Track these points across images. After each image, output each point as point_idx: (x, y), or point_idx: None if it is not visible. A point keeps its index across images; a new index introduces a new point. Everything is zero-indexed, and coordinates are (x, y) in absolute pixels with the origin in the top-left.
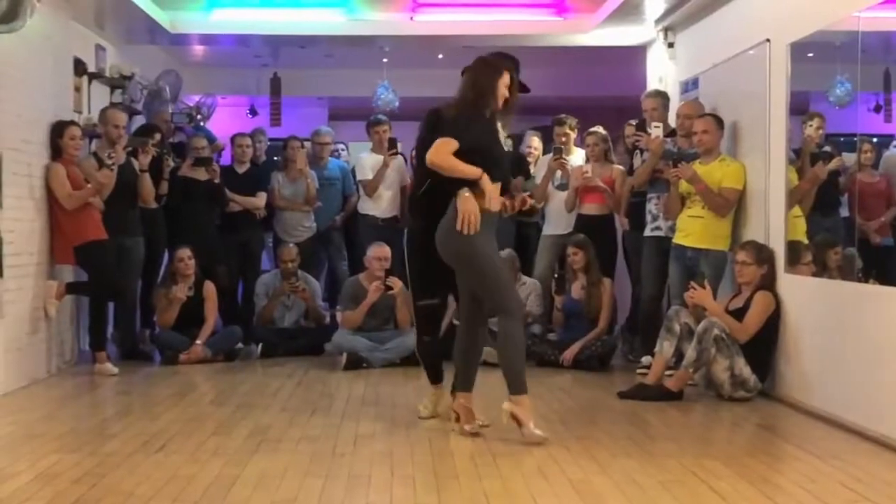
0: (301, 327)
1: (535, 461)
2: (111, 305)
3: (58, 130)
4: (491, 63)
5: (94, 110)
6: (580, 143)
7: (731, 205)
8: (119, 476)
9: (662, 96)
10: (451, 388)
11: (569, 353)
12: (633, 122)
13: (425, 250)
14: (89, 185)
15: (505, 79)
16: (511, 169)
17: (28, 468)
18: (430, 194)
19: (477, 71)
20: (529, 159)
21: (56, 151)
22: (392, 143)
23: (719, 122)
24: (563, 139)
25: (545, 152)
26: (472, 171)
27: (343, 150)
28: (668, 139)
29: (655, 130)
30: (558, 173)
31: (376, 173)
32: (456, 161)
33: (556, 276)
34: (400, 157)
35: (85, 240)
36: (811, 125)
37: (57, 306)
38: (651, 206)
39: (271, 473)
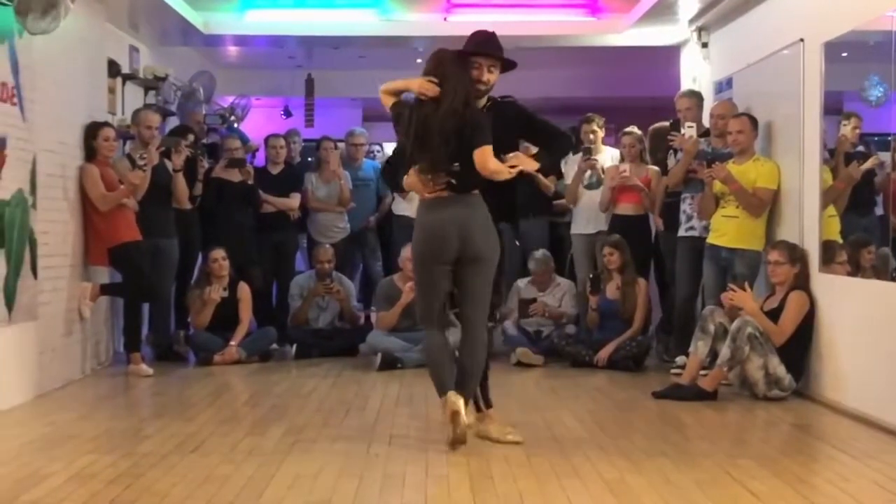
0: (335, 328)
1: (569, 461)
2: (146, 307)
3: (92, 132)
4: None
5: (128, 112)
6: (614, 143)
7: (766, 205)
8: (154, 477)
9: (697, 96)
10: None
11: (603, 354)
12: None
13: None
14: (123, 187)
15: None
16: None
17: (63, 469)
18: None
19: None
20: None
21: (90, 153)
22: None
23: (754, 122)
24: (591, 137)
25: (575, 152)
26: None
27: (379, 151)
28: (703, 139)
29: (689, 130)
30: (588, 172)
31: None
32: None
33: (590, 276)
34: None
35: (119, 241)
36: (848, 124)
37: (91, 308)
38: (685, 206)
39: (306, 474)
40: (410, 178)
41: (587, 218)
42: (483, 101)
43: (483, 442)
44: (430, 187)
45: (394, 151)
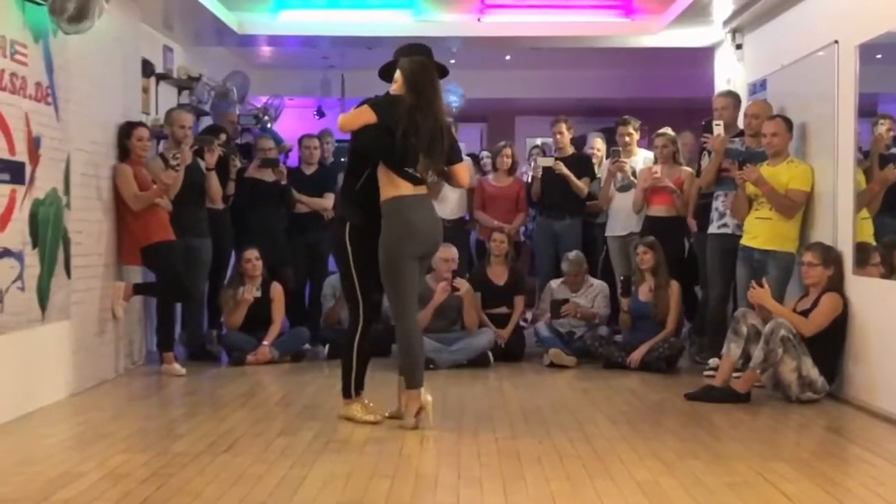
0: None
1: (602, 462)
2: (179, 306)
3: (126, 131)
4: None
5: (162, 111)
6: (647, 144)
7: (798, 206)
8: (187, 476)
9: (734, 96)
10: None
11: (636, 355)
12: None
13: (367, 244)
14: (155, 186)
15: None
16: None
17: (96, 468)
18: (366, 187)
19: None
20: (593, 160)
21: (124, 152)
22: None
23: (789, 124)
24: (627, 139)
25: (609, 154)
26: None
27: None
28: (737, 139)
29: (717, 129)
30: (618, 175)
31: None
32: None
33: (621, 278)
34: (468, 158)
35: (152, 241)
36: (882, 126)
37: (125, 307)
38: (718, 204)
39: (338, 474)
40: (387, 175)
41: (620, 220)
42: None
43: (516, 443)
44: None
45: (358, 147)
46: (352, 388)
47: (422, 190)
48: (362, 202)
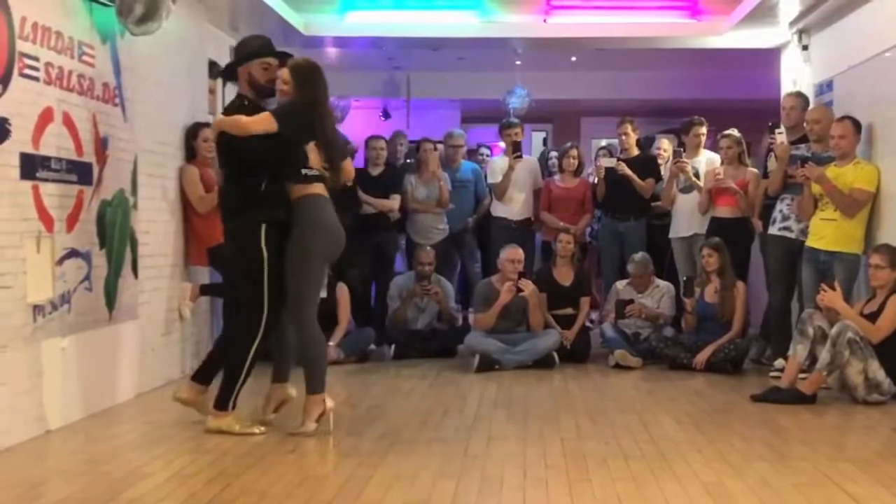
0: (434, 329)
1: (668, 464)
2: None
3: (192, 132)
4: None
5: None
6: (711, 146)
7: (860, 206)
8: (253, 476)
9: (802, 97)
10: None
11: (701, 357)
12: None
13: (278, 245)
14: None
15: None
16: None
17: (163, 468)
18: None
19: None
20: (659, 161)
21: (190, 153)
22: (516, 146)
23: (857, 125)
24: (698, 140)
25: (675, 155)
26: None
27: (487, 154)
28: (802, 145)
29: (780, 136)
30: (681, 175)
31: (503, 176)
32: None
33: (684, 279)
34: (532, 159)
35: (218, 241)
36: None
37: (191, 308)
38: (783, 206)
39: (404, 474)
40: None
41: (683, 221)
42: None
43: (581, 444)
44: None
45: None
46: (234, 399)
47: (323, 188)
48: (275, 200)
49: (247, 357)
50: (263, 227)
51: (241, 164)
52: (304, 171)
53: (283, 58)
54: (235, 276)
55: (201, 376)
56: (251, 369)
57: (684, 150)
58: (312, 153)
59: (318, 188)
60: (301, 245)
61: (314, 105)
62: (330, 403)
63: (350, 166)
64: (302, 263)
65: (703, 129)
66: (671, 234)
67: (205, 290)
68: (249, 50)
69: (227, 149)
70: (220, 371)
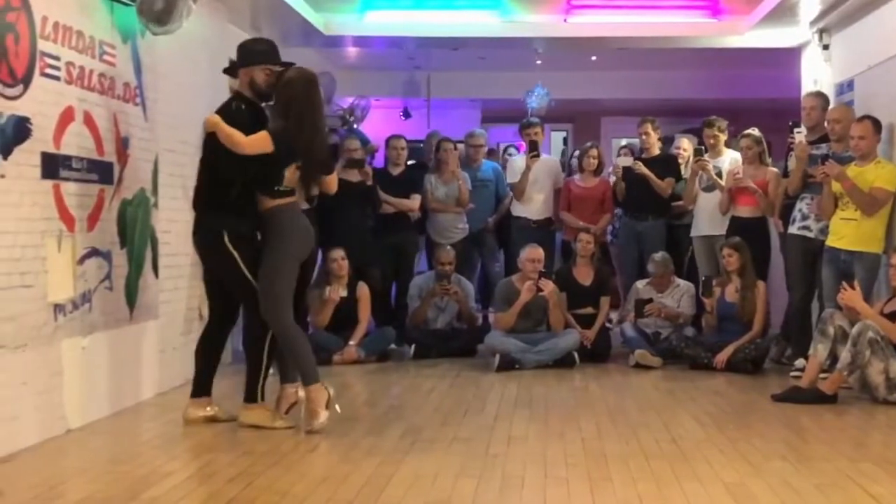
0: (454, 328)
1: (689, 464)
2: None
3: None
4: None
5: None
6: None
7: (880, 204)
8: (273, 475)
9: (822, 97)
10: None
11: (722, 356)
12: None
13: (248, 246)
14: None
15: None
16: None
17: (183, 467)
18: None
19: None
20: (679, 161)
21: None
22: (533, 145)
23: (877, 125)
24: (712, 141)
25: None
26: None
27: (513, 154)
28: (823, 145)
29: (798, 135)
30: (703, 174)
31: (521, 176)
32: None
33: (703, 278)
34: (552, 159)
35: None
36: None
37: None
38: (802, 206)
39: (424, 473)
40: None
41: (704, 220)
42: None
43: (603, 444)
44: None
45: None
46: (262, 390)
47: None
48: (241, 211)
49: (262, 349)
50: (226, 234)
51: (217, 169)
52: (276, 188)
53: (286, 66)
54: (223, 281)
55: (199, 389)
56: (271, 360)
57: (706, 149)
58: (289, 171)
59: (289, 199)
60: (274, 250)
61: (303, 127)
62: (302, 394)
63: (333, 180)
64: (275, 265)
65: (715, 131)
66: (693, 233)
67: None
68: (256, 53)
69: (210, 149)
70: (210, 375)
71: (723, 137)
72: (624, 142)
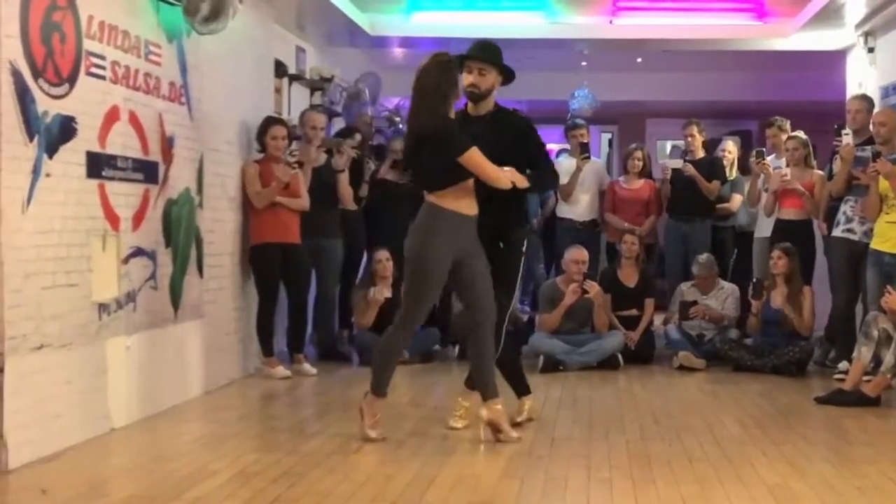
0: None
1: (732, 466)
2: (311, 307)
3: (263, 127)
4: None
5: (295, 112)
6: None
7: None
8: (317, 476)
9: (867, 100)
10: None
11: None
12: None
13: None
14: (274, 184)
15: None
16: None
17: (227, 466)
18: None
19: None
20: (724, 163)
21: (264, 148)
22: (584, 147)
23: None
24: (774, 141)
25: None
26: None
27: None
28: (868, 147)
29: (846, 137)
30: (762, 175)
31: (570, 178)
32: None
33: (753, 281)
34: (598, 160)
35: (261, 241)
36: None
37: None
38: (846, 208)
39: (468, 474)
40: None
41: (766, 221)
42: (487, 107)
43: (646, 446)
44: None
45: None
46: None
47: None
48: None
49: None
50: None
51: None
52: None
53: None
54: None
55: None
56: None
57: (766, 150)
58: None
59: None
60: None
61: None
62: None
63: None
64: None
65: (774, 130)
66: (756, 234)
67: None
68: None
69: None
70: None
71: (784, 137)
72: (675, 143)
